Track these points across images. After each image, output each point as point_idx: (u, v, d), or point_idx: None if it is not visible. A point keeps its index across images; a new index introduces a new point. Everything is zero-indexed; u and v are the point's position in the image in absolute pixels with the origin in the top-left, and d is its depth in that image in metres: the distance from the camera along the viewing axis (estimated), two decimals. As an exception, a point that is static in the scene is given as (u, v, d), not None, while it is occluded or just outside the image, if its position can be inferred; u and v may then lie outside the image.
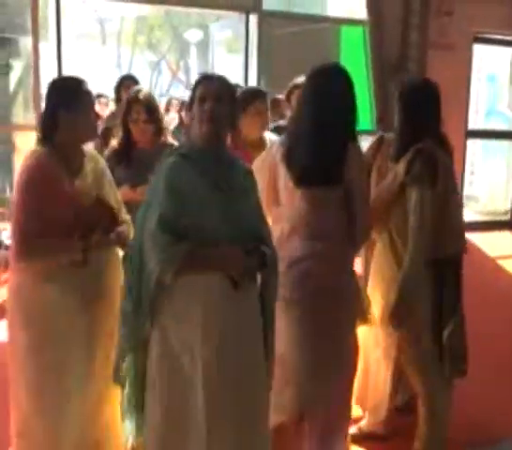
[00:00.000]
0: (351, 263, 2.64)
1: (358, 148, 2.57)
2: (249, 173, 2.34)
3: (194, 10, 7.20)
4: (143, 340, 2.16)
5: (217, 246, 2.12)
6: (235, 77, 7.02)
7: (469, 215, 8.91)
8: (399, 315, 2.76)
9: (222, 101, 2.18)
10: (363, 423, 3.19)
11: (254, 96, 3.27)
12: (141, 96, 3.15)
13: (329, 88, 2.55)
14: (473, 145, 9.36)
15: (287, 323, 2.54)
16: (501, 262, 6.83)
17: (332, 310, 2.53)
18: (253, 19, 6.82)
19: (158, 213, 2.08)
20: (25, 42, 6.36)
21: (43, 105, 2.44)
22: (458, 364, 2.95)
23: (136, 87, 3.35)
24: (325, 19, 7.61)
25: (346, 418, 2.72)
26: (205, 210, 2.12)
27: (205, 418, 2.10)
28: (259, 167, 2.75)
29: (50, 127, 2.40)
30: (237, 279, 2.12)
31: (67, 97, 2.40)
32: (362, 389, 3.15)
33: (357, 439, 3.06)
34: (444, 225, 2.82)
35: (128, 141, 3.14)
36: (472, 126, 8.71)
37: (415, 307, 2.79)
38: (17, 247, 2.32)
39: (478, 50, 8.34)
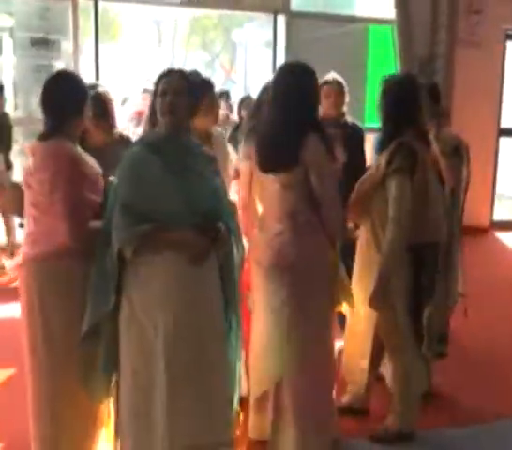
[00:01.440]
0: (321, 243, 2.75)
1: (320, 138, 2.67)
2: (213, 160, 2.56)
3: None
4: (109, 309, 2.36)
5: (177, 228, 2.33)
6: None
7: (502, 213, 8.85)
8: (377, 297, 2.92)
9: (181, 94, 2.41)
10: (345, 396, 3.31)
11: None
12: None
13: (288, 84, 2.73)
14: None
15: (268, 293, 2.74)
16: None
17: (305, 283, 2.70)
18: (281, 19, 7.04)
19: (122, 200, 2.33)
20: (67, 43, 6.74)
21: (54, 98, 2.51)
22: (436, 346, 3.09)
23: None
24: (353, 18, 7.70)
25: (327, 386, 2.84)
26: (167, 196, 2.34)
27: (166, 381, 2.30)
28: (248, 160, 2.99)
29: (68, 117, 2.50)
30: (191, 258, 2.34)
31: (87, 91, 2.60)
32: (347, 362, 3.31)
33: (340, 410, 3.13)
34: (422, 213, 2.96)
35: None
36: (509, 124, 8.60)
37: (393, 290, 2.94)
38: (74, 233, 2.40)
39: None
